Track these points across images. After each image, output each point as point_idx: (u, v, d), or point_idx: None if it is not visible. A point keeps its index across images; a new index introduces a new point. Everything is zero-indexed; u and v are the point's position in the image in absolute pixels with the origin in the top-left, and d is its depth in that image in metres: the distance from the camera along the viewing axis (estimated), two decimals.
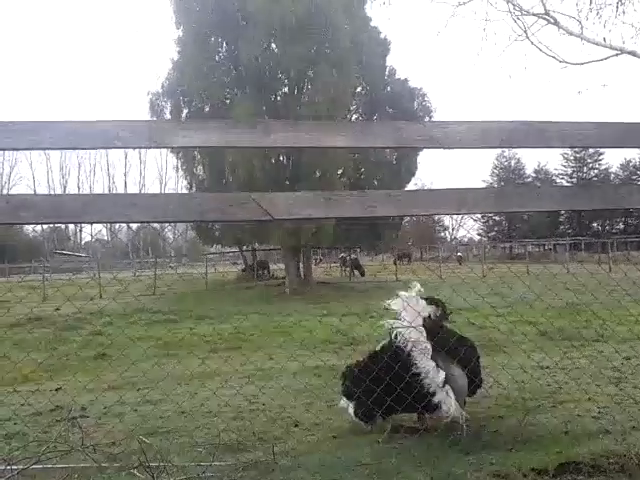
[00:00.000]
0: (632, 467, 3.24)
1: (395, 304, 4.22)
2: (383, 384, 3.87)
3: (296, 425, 4.48)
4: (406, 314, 4.09)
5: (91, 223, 2.33)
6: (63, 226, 64.08)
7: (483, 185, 52.87)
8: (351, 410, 4.29)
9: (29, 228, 53.52)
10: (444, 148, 2.52)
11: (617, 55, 8.20)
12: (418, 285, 4.26)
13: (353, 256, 29.25)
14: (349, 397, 4.31)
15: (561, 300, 7.22)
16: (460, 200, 2.48)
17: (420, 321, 4.04)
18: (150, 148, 2.45)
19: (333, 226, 18.64)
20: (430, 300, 4.26)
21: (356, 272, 27.61)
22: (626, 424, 4.08)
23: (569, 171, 60.56)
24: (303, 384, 5.49)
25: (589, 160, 59.52)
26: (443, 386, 3.90)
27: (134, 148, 2.37)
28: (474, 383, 4.17)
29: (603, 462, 3.33)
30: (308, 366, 6.50)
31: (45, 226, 56.65)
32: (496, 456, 3.56)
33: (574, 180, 58.20)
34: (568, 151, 59.50)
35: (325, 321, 9.65)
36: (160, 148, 2.41)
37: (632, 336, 6.73)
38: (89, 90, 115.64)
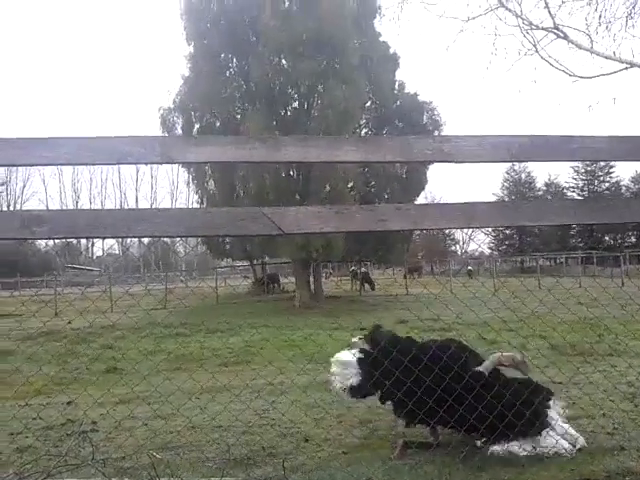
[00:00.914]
0: None
1: None
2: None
3: (306, 440, 4.46)
4: None
5: (103, 238, 2.36)
6: (75, 241, 64.56)
7: (493, 199, 52.76)
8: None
9: (42, 243, 54.07)
10: (454, 162, 2.52)
11: (627, 69, 8.18)
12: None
13: (363, 269, 29.18)
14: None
15: (574, 314, 7.16)
16: (470, 214, 2.48)
17: None
18: (162, 164, 2.48)
19: (343, 240, 18.65)
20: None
21: (367, 286, 27.54)
22: None
23: (580, 184, 60.27)
24: (313, 399, 5.46)
25: (600, 173, 59.21)
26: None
27: (146, 164, 2.41)
28: None
29: (618, 479, 3.28)
30: (319, 381, 6.47)
31: (57, 241, 57.18)
32: (510, 473, 3.51)
33: (585, 193, 57.89)
34: (579, 164, 59.28)
35: (335, 335, 9.61)
36: (172, 164, 2.43)
37: None
38: (100, 105, 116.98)
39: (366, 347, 4.44)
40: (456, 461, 3.75)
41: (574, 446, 3.85)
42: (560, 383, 5.93)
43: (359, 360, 4.28)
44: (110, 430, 4.80)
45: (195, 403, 5.49)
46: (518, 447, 3.84)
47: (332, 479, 3.50)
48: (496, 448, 3.86)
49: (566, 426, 3.98)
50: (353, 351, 4.39)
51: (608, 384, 5.28)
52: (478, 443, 3.94)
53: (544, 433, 3.88)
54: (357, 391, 4.25)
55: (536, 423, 3.83)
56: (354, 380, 4.23)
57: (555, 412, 4.03)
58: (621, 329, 7.30)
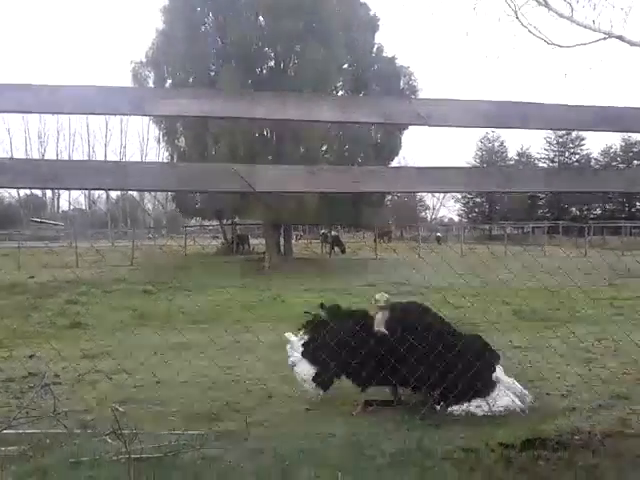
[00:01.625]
0: (596, 443, 3.33)
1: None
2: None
3: (270, 397, 4.52)
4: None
5: (68, 189, 2.29)
6: (40, 193, 62.97)
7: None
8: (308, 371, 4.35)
9: (5, 194, 52.54)
10: (430, 125, 2.50)
11: (605, 39, 8.21)
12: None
13: (334, 233, 29.24)
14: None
15: (538, 281, 7.34)
16: (443, 178, 2.47)
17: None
18: (134, 115, 2.40)
19: (315, 202, 18.60)
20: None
21: (337, 249, 27.66)
22: (593, 403, 4.19)
23: (551, 155, 61.04)
24: (279, 357, 5.51)
25: (571, 145, 60.04)
26: None
27: (117, 115, 2.32)
28: None
29: (568, 438, 3.42)
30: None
31: (21, 192, 55.68)
32: (465, 431, 3.63)
33: (555, 164, 58.69)
34: (551, 135, 59.96)
35: (304, 296, 9.68)
36: (144, 115, 2.36)
37: (604, 319, 6.88)
38: (67, 54, 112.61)
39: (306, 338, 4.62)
40: (415, 419, 3.86)
41: (523, 404, 4.02)
42: (520, 347, 6.13)
43: (304, 352, 4.48)
44: (73, 383, 4.79)
45: (160, 359, 5.51)
46: (475, 407, 3.98)
47: (294, 434, 3.56)
48: (454, 408, 3.99)
49: (518, 386, 4.13)
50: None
51: (565, 349, 5.46)
52: (437, 408, 4.06)
53: (501, 393, 4.02)
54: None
55: (485, 380, 3.99)
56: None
57: (501, 371, 4.18)
58: (582, 297, 7.52)
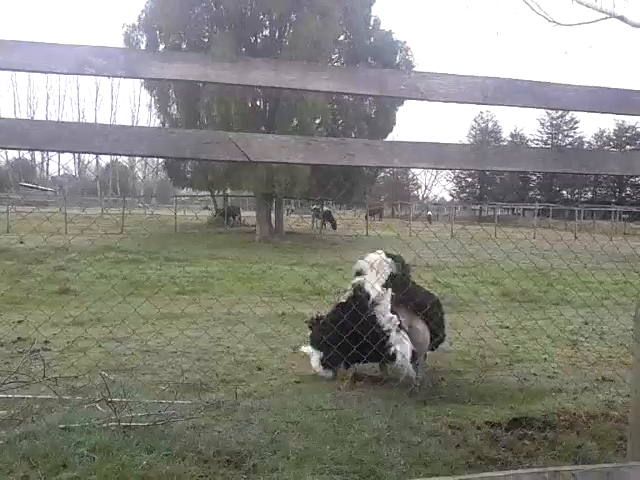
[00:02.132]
0: (580, 424, 3.39)
1: (362, 263, 4.30)
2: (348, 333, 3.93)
3: (260, 369, 4.54)
4: (371, 274, 4.17)
5: (58, 152, 2.24)
6: (29, 156, 62.12)
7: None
8: (316, 357, 4.39)
9: None
10: (427, 100, 2.46)
11: (606, 19, 8.09)
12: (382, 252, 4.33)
13: (326, 208, 29.21)
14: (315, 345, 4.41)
15: (530, 262, 7.38)
16: (440, 155, 2.44)
17: (382, 279, 4.11)
18: (125, 77, 2.34)
19: (307, 176, 18.50)
20: (394, 257, 4.33)
21: (328, 224, 27.65)
22: (579, 384, 4.26)
23: (544, 137, 61.02)
24: (270, 329, 5.53)
25: (564, 127, 60.04)
26: (397, 334, 3.97)
27: (108, 76, 2.26)
28: (437, 338, 4.27)
29: (554, 418, 3.47)
30: (275, 312, 6.55)
31: (10, 156, 54.93)
32: (453, 408, 3.68)
33: (549, 146, 58.67)
34: (545, 117, 59.89)
35: (294, 270, 9.69)
36: (135, 78, 2.30)
37: (593, 302, 6.94)
38: (57, 14, 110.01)
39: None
40: (403, 395, 3.90)
41: None
42: (508, 327, 6.19)
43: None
44: (62, 349, 4.78)
45: (150, 328, 5.50)
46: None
47: (283, 406, 3.59)
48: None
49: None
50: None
51: (553, 331, 5.52)
52: (422, 378, 4.11)
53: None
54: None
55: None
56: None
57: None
58: (572, 279, 7.58)
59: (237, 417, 3.37)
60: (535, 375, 4.51)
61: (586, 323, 6.25)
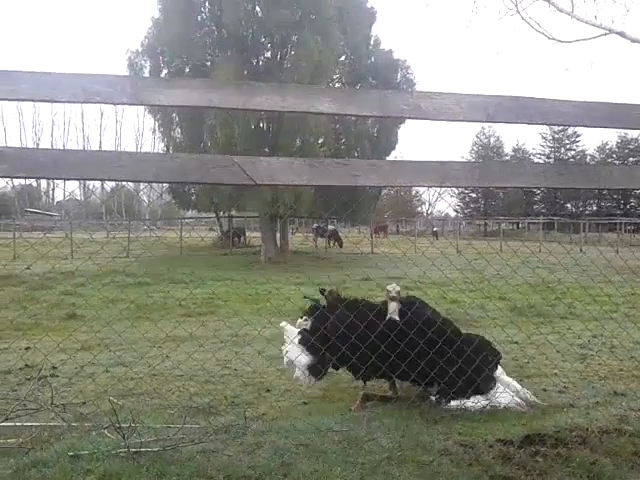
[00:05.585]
0: (593, 440, 3.34)
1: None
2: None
3: (268, 390, 4.52)
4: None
5: (66, 180, 2.27)
6: (35, 183, 62.60)
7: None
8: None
9: (1, 183, 52.20)
10: (430, 119, 2.49)
11: (606, 35, 8.17)
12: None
13: (331, 227, 29.25)
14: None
15: (537, 276, 7.35)
16: (444, 173, 2.46)
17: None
18: (131, 105, 2.37)
19: (312, 196, 18.57)
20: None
21: (332, 242, 27.68)
22: (590, 399, 4.21)
23: (547, 151, 61.19)
24: (277, 350, 5.50)
25: (567, 141, 60.18)
26: None
27: (114, 104, 2.28)
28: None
29: (566, 435, 3.43)
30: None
31: (16, 182, 55.37)
32: (463, 426, 3.64)
33: (551, 160, 58.77)
34: (547, 131, 60.13)
35: (301, 290, 9.66)
36: (141, 105, 2.33)
37: (601, 315, 6.89)
38: (63, 44, 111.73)
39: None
40: (413, 414, 3.86)
41: (525, 402, 4.03)
42: (517, 343, 6.14)
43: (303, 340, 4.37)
44: (71, 376, 4.77)
45: (158, 351, 5.49)
46: (472, 403, 3.98)
47: (292, 428, 3.56)
48: (452, 404, 3.99)
49: (517, 385, 4.15)
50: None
51: (562, 345, 5.48)
52: (433, 399, 4.06)
53: (499, 390, 4.02)
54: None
55: (486, 379, 3.98)
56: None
57: (501, 370, 4.20)
58: (579, 293, 7.54)
59: (246, 440, 3.34)
60: (545, 390, 4.46)
61: (595, 337, 6.21)
